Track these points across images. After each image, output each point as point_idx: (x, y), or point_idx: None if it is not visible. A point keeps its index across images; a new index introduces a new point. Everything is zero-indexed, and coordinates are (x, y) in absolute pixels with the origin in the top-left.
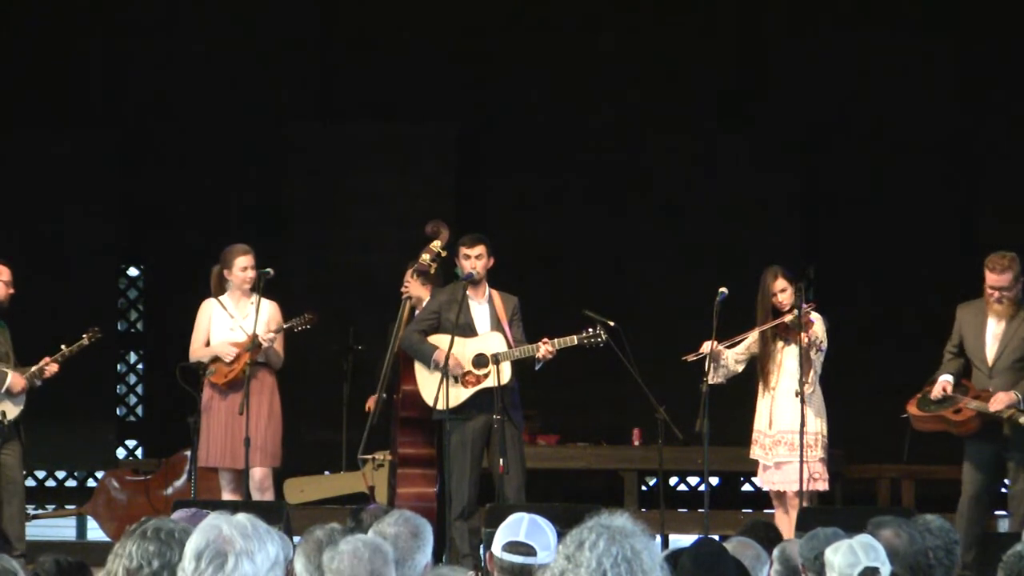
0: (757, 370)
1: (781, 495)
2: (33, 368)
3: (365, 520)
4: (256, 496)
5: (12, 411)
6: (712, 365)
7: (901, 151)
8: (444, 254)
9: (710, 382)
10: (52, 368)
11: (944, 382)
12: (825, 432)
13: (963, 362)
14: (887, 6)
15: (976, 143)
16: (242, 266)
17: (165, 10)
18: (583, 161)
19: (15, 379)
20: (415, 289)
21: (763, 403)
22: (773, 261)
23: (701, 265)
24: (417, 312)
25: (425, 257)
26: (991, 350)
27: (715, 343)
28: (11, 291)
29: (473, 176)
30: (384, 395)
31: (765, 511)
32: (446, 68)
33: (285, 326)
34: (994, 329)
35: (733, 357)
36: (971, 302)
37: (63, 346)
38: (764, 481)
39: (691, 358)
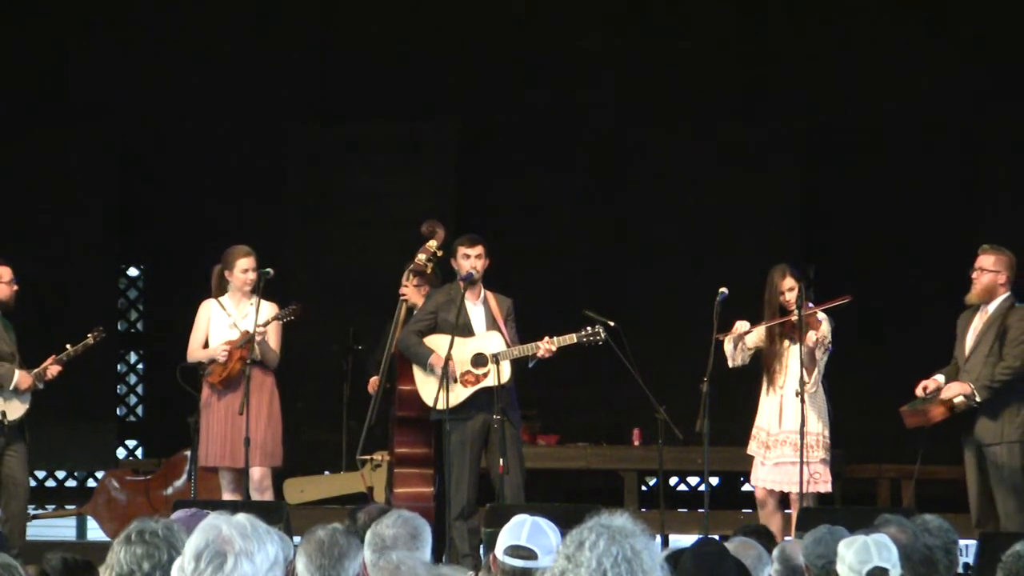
0: (762, 368)
1: (773, 494)
2: (36, 369)
3: (361, 519)
4: (255, 496)
5: (18, 410)
6: (739, 347)
7: (901, 150)
8: (440, 254)
9: (731, 365)
10: (54, 370)
11: (930, 380)
12: (827, 433)
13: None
14: (888, 5)
15: (977, 142)
16: (243, 268)
17: (165, 10)
18: (583, 161)
19: (22, 376)
20: (413, 296)
21: (770, 402)
22: (778, 260)
23: (701, 265)
24: (415, 312)
25: (421, 257)
26: (968, 345)
27: (745, 323)
28: (15, 288)
29: (473, 176)
30: (388, 384)
31: None
32: (446, 68)
33: (271, 318)
34: (975, 325)
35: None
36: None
37: (68, 346)
38: (760, 479)
39: (723, 336)
